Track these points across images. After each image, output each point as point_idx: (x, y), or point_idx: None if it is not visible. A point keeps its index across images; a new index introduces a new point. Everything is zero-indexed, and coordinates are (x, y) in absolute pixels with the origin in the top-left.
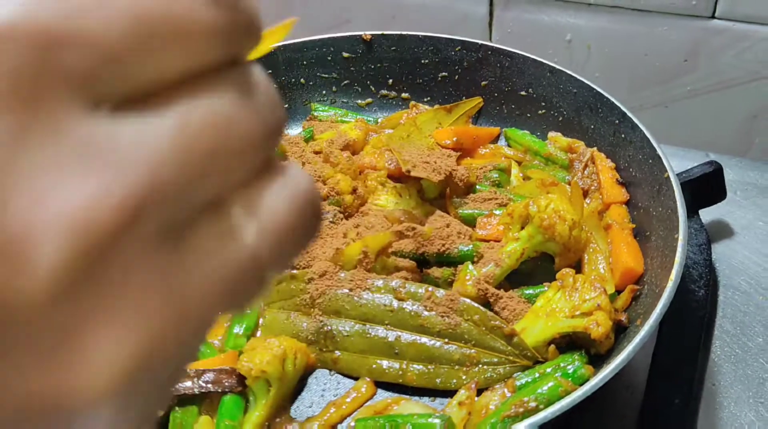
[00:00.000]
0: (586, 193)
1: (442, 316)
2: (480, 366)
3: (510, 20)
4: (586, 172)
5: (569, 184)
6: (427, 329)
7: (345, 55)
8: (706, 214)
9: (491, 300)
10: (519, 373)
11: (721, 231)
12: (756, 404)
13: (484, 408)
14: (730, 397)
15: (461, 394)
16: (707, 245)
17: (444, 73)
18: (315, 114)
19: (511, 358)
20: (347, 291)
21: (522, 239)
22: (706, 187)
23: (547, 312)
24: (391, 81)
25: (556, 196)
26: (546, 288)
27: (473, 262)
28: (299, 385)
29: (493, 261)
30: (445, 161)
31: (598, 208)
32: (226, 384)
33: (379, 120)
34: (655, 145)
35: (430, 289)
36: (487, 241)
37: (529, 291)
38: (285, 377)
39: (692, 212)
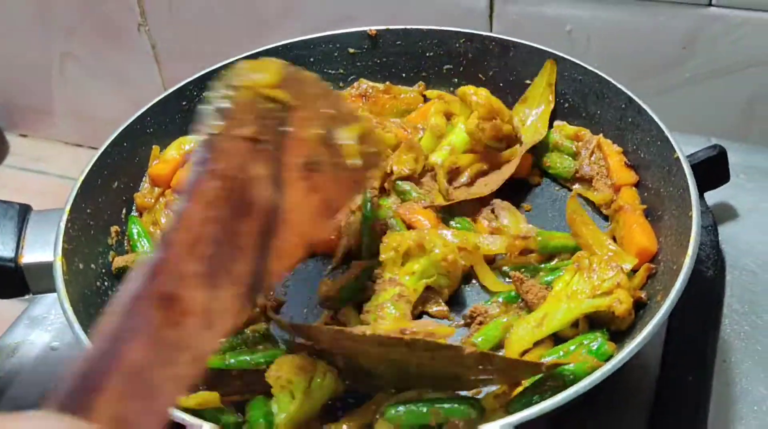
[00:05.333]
0: (591, 180)
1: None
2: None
3: (510, 12)
4: (592, 158)
5: (576, 171)
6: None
7: (351, 50)
8: (711, 198)
9: (516, 283)
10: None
11: (727, 213)
12: (767, 379)
13: None
14: (742, 372)
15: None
16: (714, 227)
17: (449, 66)
18: None
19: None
20: None
21: None
22: (710, 170)
23: (568, 295)
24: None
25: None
26: (562, 272)
27: None
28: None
29: None
30: None
31: (607, 197)
32: None
33: None
34: (662, 127)
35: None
36: None
37: (549, 277)
38: (310, 394)
39: None
